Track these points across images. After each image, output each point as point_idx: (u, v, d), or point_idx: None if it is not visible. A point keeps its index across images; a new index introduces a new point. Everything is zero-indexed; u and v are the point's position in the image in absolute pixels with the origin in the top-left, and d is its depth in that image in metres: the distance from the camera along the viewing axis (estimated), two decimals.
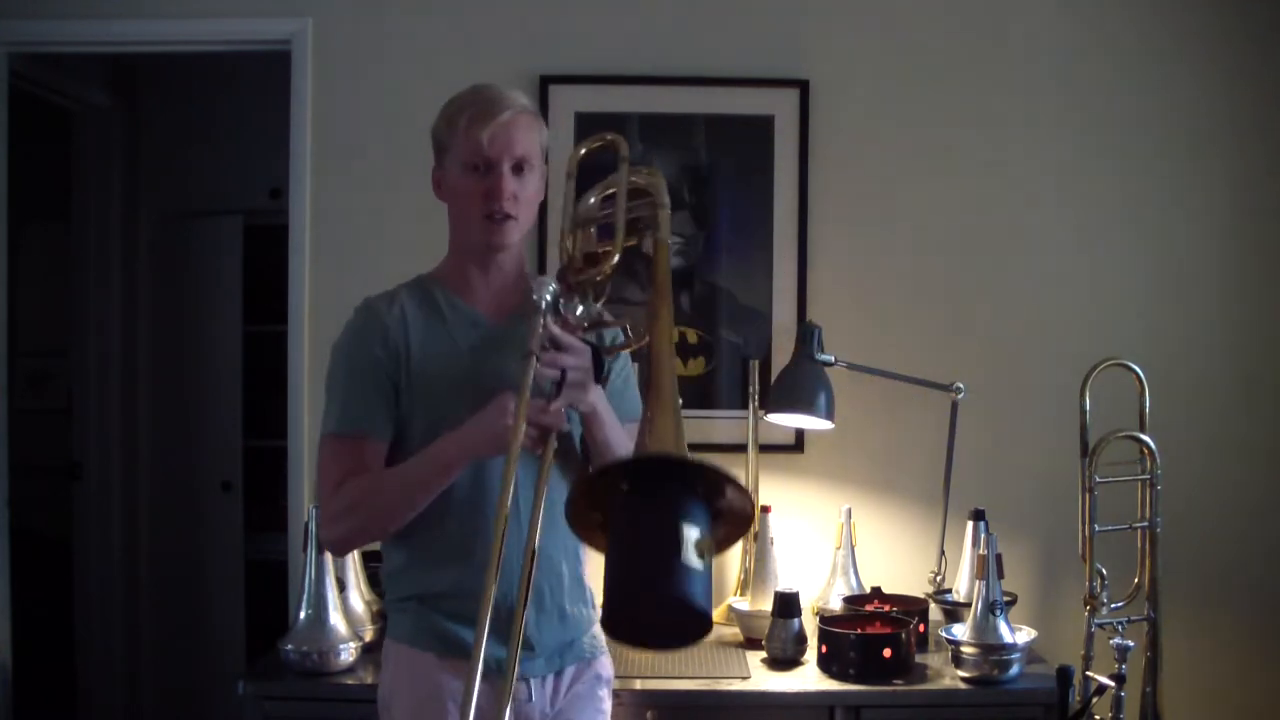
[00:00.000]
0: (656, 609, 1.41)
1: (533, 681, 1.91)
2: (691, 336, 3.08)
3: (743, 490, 1.46)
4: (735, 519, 1.47)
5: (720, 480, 1.43)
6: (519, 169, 1.88)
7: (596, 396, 1.80)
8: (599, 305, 1.84)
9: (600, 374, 1.79)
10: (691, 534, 1.38)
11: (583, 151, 1.99)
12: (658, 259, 1.83)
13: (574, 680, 1.96)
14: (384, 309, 1.93)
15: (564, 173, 1.95)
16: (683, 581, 1.37)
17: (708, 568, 1.40)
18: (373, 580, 2.80)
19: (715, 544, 1.44)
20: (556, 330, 1.72)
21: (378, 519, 1.83)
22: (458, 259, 1.97)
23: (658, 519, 1.41)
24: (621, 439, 1.85)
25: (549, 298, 1.73)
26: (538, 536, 1.62)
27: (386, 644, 1.97)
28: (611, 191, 1.91)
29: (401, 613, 1.94)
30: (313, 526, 2.48)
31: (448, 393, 1.85)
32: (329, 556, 2.49)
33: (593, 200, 1.93)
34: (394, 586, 1.96)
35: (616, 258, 1.82)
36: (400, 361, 1.88)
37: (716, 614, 2.95)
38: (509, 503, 1.58)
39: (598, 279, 1.82)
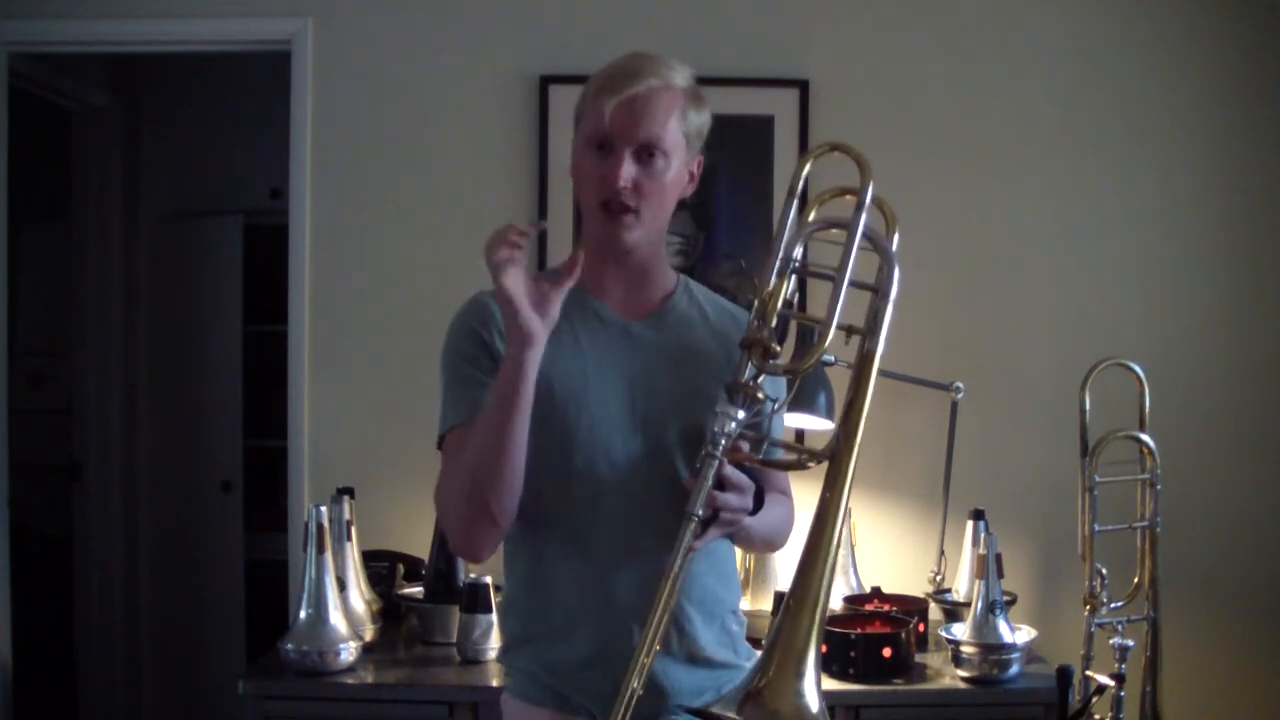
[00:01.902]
0: None
1: None
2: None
3: None
4: None
5: None
6: (646, 155, 1.61)
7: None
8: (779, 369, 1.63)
9: (759, 505, 1.62)
10: None
11: (808, 166, 1.74)
12: (860, 379, 1.67)
13: None
14: (490, 300, 1.68)
15: (788, 192, 1.70)
16: None
17: None
18: (373, 580, 2.80)
19: None
20: (728, 470, 1.54)
21: (480, 484, 1.56)
22: (593, 249, 1.68)
23: None
24: (767, 526, 1.72)
25: (733, 427, 1.54)
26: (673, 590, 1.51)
27: (504, 699, 1.76)
28: (829, 228, 1.68)
29: (516, 670, 1.73)
30: (313, 526, 2.48)
31: (564, 392, 1.64)
32: (329, 556, 2.49)
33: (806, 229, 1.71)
34: (510, 652, 1.75)
35: (815, 359, 1.62)
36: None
37: None
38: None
39: (781, 372, 1.62)
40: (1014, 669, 2.47)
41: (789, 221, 1.68)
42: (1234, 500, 3.06)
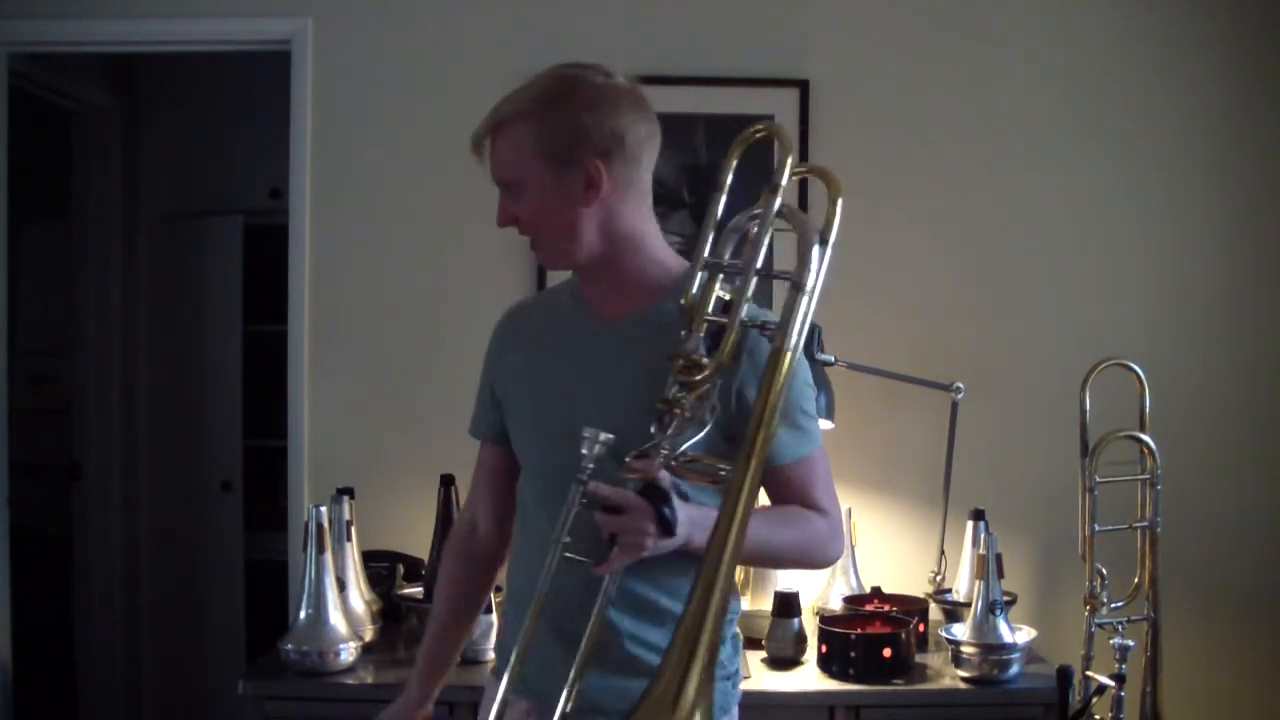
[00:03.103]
0: None
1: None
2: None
3: None
4: None
5: None
6: (509, 190, 1.64)
7: (678, 538, 1.47)
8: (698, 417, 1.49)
9: (667, 527, 1.46)
10: None
11: (736, 157, 1.66)
12: (771, 376, 1.44)
13: None
14: (504, 315, 1.83)
15: (715, 187, 1.61)
16: None
17: None
18: (373, 580, 2.80)
19: None
20: (607, 490, 1.46)
21: None
22: None
23: None
24: (758, 538, 1.51)
25: (598, 448, 1.48)
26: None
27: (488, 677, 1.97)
28: (753, 225, 1.55)
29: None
30: (313, 526, 2.48)
31: (529, 395, 1.71)
32: (329, 556, 2.49)
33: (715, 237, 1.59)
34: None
35: (711, 382, 1.49)
36: (496, 369, 1.78)
37: None
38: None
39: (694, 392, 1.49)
40: (1014, 669, 2.47)
41: (713, 217, 1.61)
42: (1234, 500, 3.06)
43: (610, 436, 1.48)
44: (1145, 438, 2.72)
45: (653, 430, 1.49)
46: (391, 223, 3.11)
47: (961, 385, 2.87)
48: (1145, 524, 2.73)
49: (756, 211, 1.56)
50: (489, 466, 1.84)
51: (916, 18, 3.10)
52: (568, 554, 1.51)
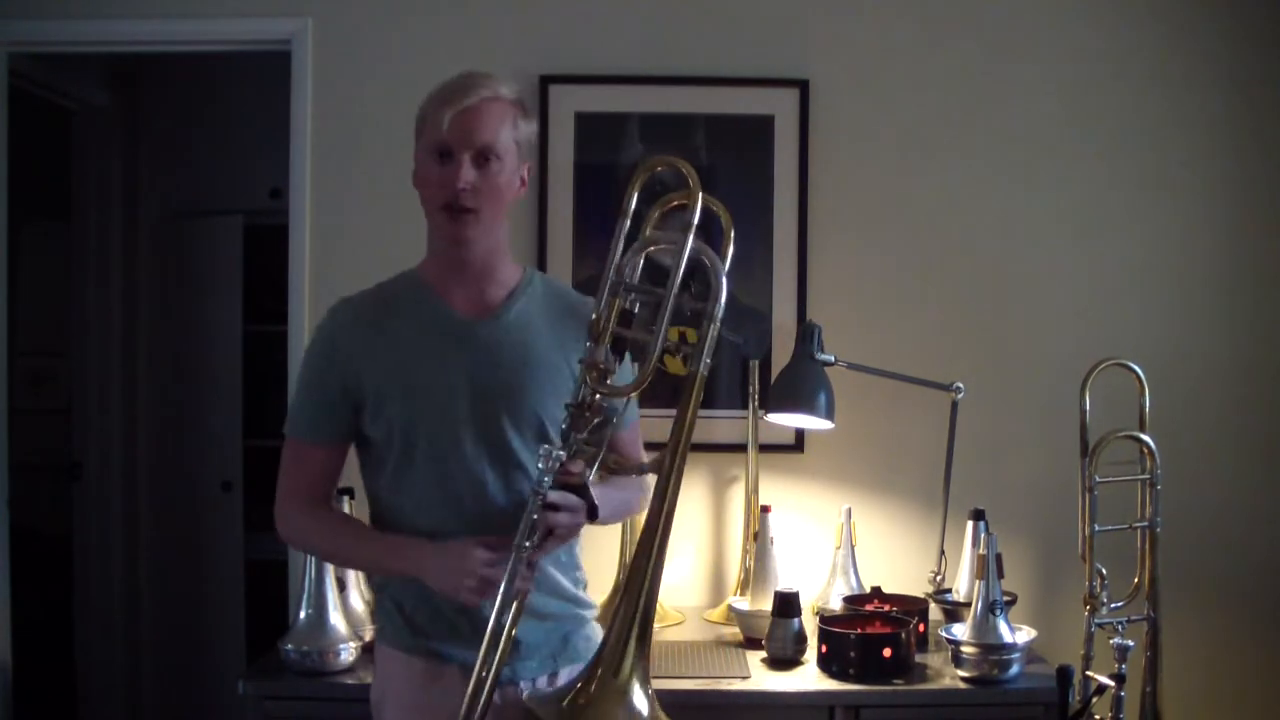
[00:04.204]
0: None
1: (523, 684, 1.90)
2: (691, 336, 3.07)
3: None
4: None
5: None
6: (482, 159, 1.80)
7: (598, 521, 1.82)
8: (595, 446, 1.79)
9: (593, 516, 1.79)
10: None
11: (638, 186, 1.83)
12: (686, 401, 1.72)
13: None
14: (346, 315, 1.92)
15: (622, 213, 1.81)
16: None
17: None
18: (372, 580, 2.80)
19: None
20: (555, 495, 1.71)
21: (322, 557, 2.07)
22: (432, 253, 1.94)
23: None
24: (626, 505, 2.01)
25: (553, 464, 1.70)
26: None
27: (377, 647, 2.00)
28: (658, 245, 1.79)
29: (386, 618, 1.96)
30: None
31: (409, 391, 1.85)
32: None
33: (627, 257, 1.79)
34: (379, 592, 2.00)
35: (659, 344, 1.73)
36: (351, 370, 1.87)
37: (716, 613, 2.95)
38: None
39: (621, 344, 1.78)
40: (1014, 669, 2.47)
41: (618, 241, 1.78)
42: (1234, 500, 3.07)
43: (562, 453, 1.71)
44: (1145, 438, 2.72)
45: (570, 431, 1.74)
46: (391, 222, 3.10)
47: (961, 385, 2.88)
48: (1145, 524, 2.72)
49: (666, 245, 1.78)
50: (323, 469, 1.93)
51: (916, 18, 3.10)
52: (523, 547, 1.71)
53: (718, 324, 1.72)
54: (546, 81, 3.06)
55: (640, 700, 1.65)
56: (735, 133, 3.08)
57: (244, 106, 4.29)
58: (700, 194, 1.78)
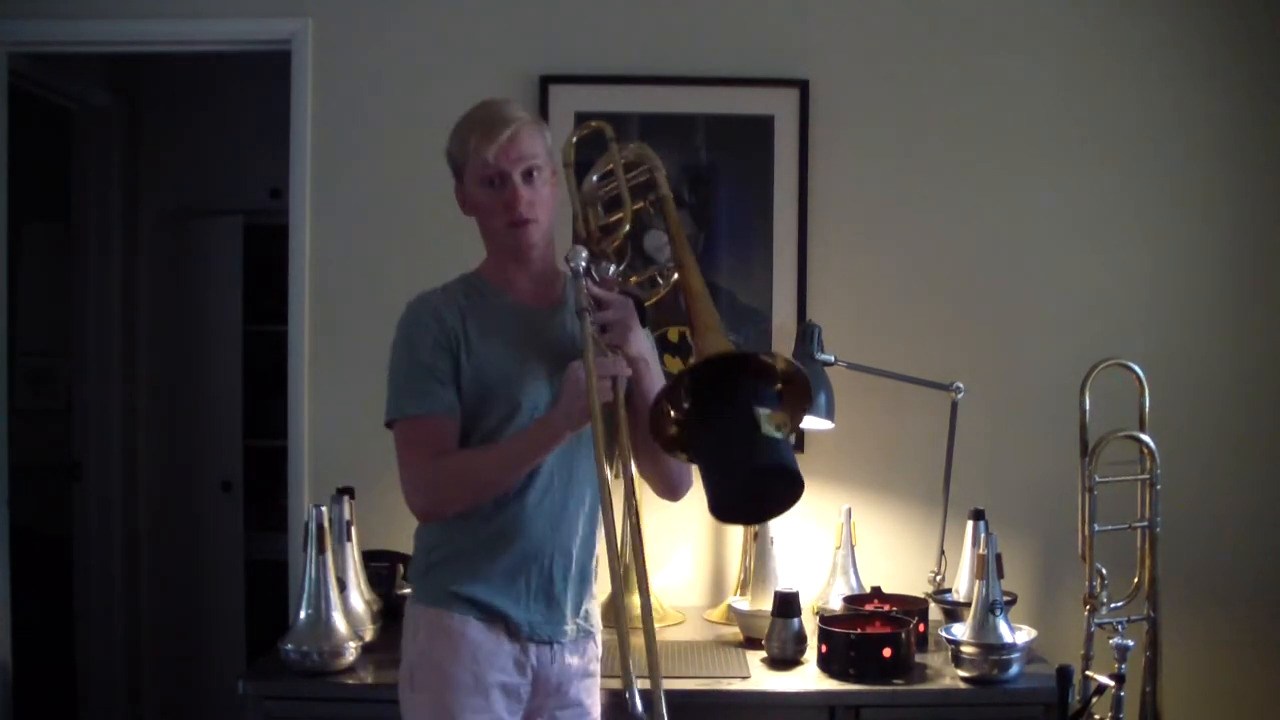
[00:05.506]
0: (757, 481, 1.66)
1: (556, 648, 2.05)
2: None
3: (791, 363, 1.71)
4: (796, 389, 1.71)
5: (770, 361, 1.70)
6: (529, 175, 2.02)
7: (642, 345, 1.96)
8: (623, 266, 2.04)
9: (644, 320, 1.98)
10: (763, 411, 1.65)
11: (574, 140, 2.20)
12: (667, 213, 2.04)
13: (585, 657, 2.12)
14: (438, 299, 2.07)
15: (563, 163, 2.15)
16: (770, 451, 1.64)
17: (786, 437, 1.69)
18: (373, 580, 2.80)
19: (789, 415, 1.71)
20: (598, 290, 1.93)
21: (475, 492, 1.98)
22: (496, 259, 2.11)
23: (732, 408, 1.66)
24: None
25: (583, 263, 1.93)
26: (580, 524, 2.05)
27: (417, 610, 2.06)
28: (609, 168, 2.11)
29: (433, 577, 2.04)
30: (313, 526, 2.48)
31: (503, 374, 2.01)
32: (329, 556, 2.49)
33: (594, 179, 2.14)
34: (428, 552, 2.08)
35: (627, 225, 2.04)
36: (460, 346, 2.01)
37: (716, 613, 2.95)
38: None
39: (616, 244, 2.04)
40: (1014, 669, 2.47)
41: (570, 183, 2.14)
42: (1234, 500, 3.07)
43: (586, 253, 1.94)
44: (1145, 438, 2.72)
45: (602, 265, 1.99)
46: (391, 222, 3.11)
47: (961, 385, 2.88)
48: (1145, 524, 2.73)
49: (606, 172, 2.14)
50: (446, 435, 2.00)
51: (916, 18, 3.10)
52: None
53: (662, 169, 2.08)
54: (546, 81, 3.06)
55: None
56: (735, 133, 3.08)
57: (244, 106, 4.29)
58: (609, 126, 2.15)
